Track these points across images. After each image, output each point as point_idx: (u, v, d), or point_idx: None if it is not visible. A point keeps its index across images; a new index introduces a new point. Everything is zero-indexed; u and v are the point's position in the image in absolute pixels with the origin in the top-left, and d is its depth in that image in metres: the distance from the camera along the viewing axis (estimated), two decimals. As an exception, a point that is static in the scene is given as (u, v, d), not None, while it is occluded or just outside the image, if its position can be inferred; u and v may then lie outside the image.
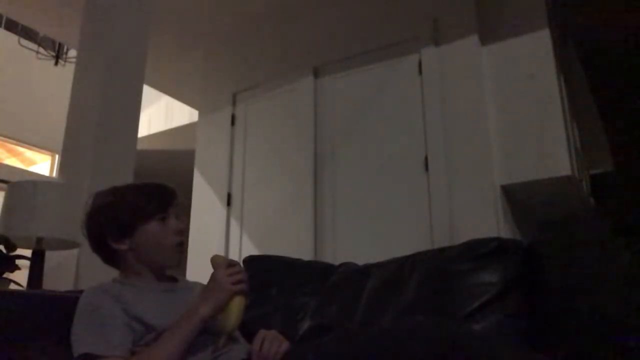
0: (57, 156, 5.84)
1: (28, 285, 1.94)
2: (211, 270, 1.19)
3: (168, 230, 1.27)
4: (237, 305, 1.15)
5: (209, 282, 1.17)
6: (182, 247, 1.29)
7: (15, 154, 5.75)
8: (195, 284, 1.37)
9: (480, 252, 1.42)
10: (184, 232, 1.30)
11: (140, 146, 2.76)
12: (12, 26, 5.30)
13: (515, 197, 2.86)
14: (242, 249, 3.29)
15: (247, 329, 1.30)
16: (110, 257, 1.29)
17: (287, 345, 1.19)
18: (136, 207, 1.26)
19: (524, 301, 1.34)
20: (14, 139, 5.64)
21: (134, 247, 1.25)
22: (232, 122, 3.65)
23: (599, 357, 1.15)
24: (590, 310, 1.21)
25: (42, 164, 5.94)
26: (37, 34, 4.77)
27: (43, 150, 5.89)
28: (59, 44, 4.76)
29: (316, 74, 3.34)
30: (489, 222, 2.60)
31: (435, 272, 1.47)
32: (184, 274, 3.06)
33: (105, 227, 1.26)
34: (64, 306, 1.20)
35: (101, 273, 1.35)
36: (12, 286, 2.02)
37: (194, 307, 1.14)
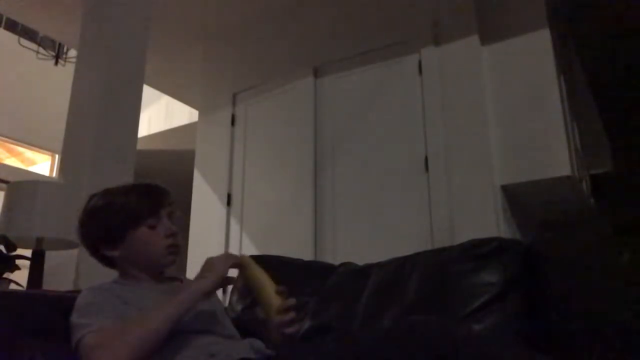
0: (57, 156, 5.84)
1: (28, 285, 1.94)
2: None
3: (159, 234, 1.26)
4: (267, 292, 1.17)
5: (203, 264, 1.19)
6: (175, 249, 1.29)
7: (15, 154, 5.75)
8: None
9: (480, 252, 1.42)
10: (177, 234, 1.29)
11: (140, 146, 2.76)
12: (12, 26, 5.30)
13: (515, 197, 2.86)
14: (242, 249, 3.29)
15: (246, 329, 1.30)
16: (106, 262, 1.30)
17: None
18: (126, 211, 1.25)
19: (524, 301, 1.34)
20: (14, 139, 5.64)
21: (126, 253, 1.26)
22: (232, 122, 3.65)
23: (598, 357, 1.15)
24: (590, 310, 1.21)
25: (42, 164, 5.93)
26: (37, 34, 4.77)
27: (43, 150, 5.89)
28: (59, 44, 4.75)
29: (316, 74, 3.34)
30: (489, 222, 2.60)
31: (435, 272, 1.47)
32: (184, 274, 3.06)
33: (97, 235, 1.27)
34: (64, 306, 1.20)
35: (101, 273, 1.35)
36: (12, 286, 2.02)
37: (190, 285, 1.16)
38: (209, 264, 1.18)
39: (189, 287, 1.15)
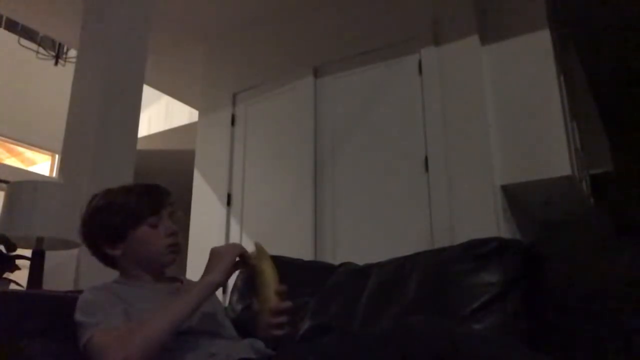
0: (57, 156, 5.84)
1: (28, 285, 1.94)
2: None
3: (159, 233, 1.27)
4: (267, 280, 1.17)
5: (210, 256, 1.19)
6: (176, 248, 1.29)
7: (15, 154, 5.75)
8: None
9: (480, 252, 1.42)
10: (177, 233, 1.30)
11: (140, 146, 2.77)
12: (12, 26, 5.29)
13: (515, 197, 2.86)
14: (242, 249, 3.29)
15: (246, 329, 1.30)
16: (107, 261, 1.30)
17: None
18: (127, 211, 1.26)
19: (524, 301, 1.34)
20: (14, 139, 5.64)
21: (127, 252, 1.26)
22: (232, 122, 3.65)
23: (598, 357, 1.15)
24: (590, 310, 1.21)
25: (42, 164, 5.93)
26: (37, 34, 4.77)
27: (43, 150, 5.89)
28: (59, 44, 4.75)
29: (316, 74, 3.34)
30: (489, 222, 2.60)
31: (435, 272, 1.47)
32: (184, 274, 3.06)
33: (98, 234, 1.27)
34: (64, 306, 1.20)
35: (101, 273, 1.35)
36: (12, 286, 2.02)
37: (201, 279, 1.15)
38: (216, 255, 1.18)
39: (200, 281, 1.15)
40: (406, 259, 1.58)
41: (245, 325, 1.37)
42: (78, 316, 1.14)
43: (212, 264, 1.17)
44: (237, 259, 1.20)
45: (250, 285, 1.37)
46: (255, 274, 1.19)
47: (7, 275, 1.99)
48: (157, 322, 1.07)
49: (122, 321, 1.11)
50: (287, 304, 1.17)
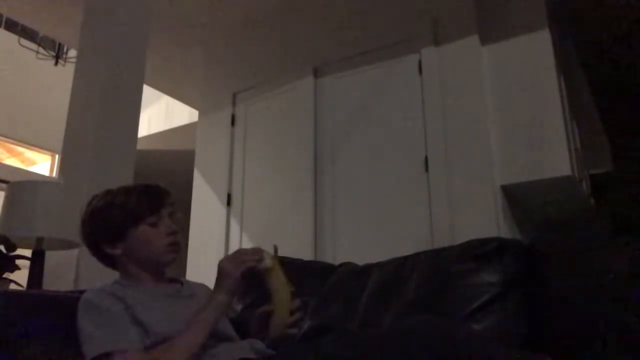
0: (57, 156, 5.84)
1: (28, 285, 1.94)
2: (211, 270, 1.19)
3: (160, 232, 1.27)
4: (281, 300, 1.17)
5: (217, 273, 1.18)
6: (176, 247, 1.29)
7: (15, 154, 5.75)
8: (202, 286, 1.37)
9: (480, 252, 1.42)
10: (177, 232, 1.30)
11: (140, 146, 2.77)
12: (12, 26, 5.30)
13: (515, 197, 2.86)
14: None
15: (245, 329, 1.30)
16: (107, 261, 1.30)
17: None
18: (127, 210, 1.26)
19: (524, 301, 1.34)
20: (14, 139, 5.64)
21: (127, 252, 1.26)
22: (232, 122, 3.65)
23: (598, 357, 1.15)
24: (590, 310, 1.21)
25: (42, 164, 5.94)
26: (37, 34, 4.77)
27: (43, 150, 5.89)
28: (59, 44, 4.76)
29: (316, 74, 3.34)
30: (489, 222, 2.60)
31: (435, 272, 1.47)
32: (184, 274, 3.06)
33: (98, 233, 1.27)
34: (64, 306, 1.20)
35: (101, 273, 1.35)
36: (12, 286, 2.02)
37: (209, 300, 1.15)
38: (222, 273, 1.16)
39: (210, 302, 1.15)
40: (406, 259, 1.58)
41: (245, 325, 1.37)
42: (83, 323, 1.13)
43: (219, 281, 1.16)
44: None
45: (256, 286, 1.36)
46: (271, 275, 1.18)
47: (7, 275, 1.99)
48: (180, 354, 1.09)
49: (134, 337, 1.11)
50: (299, 302, 1.20)
